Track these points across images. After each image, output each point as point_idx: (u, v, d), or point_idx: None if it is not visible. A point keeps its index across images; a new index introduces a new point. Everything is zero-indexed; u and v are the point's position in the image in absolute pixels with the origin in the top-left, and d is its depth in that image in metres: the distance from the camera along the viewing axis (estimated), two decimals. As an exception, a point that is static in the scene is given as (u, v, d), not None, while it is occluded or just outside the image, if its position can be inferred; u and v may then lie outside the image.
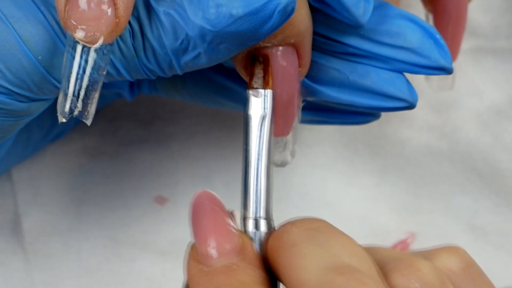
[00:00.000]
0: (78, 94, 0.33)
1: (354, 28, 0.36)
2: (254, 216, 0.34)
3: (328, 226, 0.33)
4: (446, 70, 0.36)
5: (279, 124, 0.37)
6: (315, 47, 0.37)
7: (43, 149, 0.49)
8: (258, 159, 0.34)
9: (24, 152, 0.47)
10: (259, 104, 0.35)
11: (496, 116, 0.53)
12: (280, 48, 0.35)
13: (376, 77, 0.36)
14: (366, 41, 0.36)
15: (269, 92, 0.35)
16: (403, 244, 0.51)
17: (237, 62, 0.36)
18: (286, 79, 0.36)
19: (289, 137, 0.38)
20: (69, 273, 0.47)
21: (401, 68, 0.36)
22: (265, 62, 0.35)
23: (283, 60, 0.35)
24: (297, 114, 0.38)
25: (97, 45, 0.32)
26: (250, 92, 0.35)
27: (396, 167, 0.52)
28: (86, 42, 0.32)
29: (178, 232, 0.48)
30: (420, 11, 0.47)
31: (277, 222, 0.49)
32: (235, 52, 0.34)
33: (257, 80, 0.35)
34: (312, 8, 0.36)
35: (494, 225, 0.51)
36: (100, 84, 0.34)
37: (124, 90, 0.45)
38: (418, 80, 0.52)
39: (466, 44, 0.54)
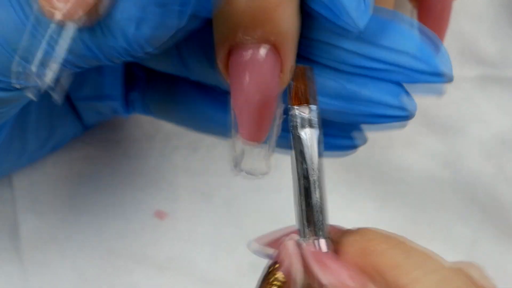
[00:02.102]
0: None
1: (351, 33, 0.35)
2: (318, 235, 0.34)
3: (411, 243, 0.33)
4: (446, 77, 0.35)
5: (250, 127, 0.36)
6: (311, 55, 0.36)
7: (44, 157, 0.49)
8: (314, 176, 0.34)
9: (19, 160, 0.46)
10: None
11: (500, 146, 0.53)
12: (258, 44, 0.35)
13: (374, 87, 0.35)
14: (365, 45, 0.35)
15: (293, 108, 0.34)
16: (400, 271, 0.50)
17: (219, 61, 0.36)
18: (258, 76, 0.35)
19: (264, 146, 0.38)
20: (65, 283, 0.47)
21: (400, 77, 0.35)
22: (296, 78, 0.35)
23: (257, 57, 0.35)
24: (275, 123, 0.37)
25: (76, 19, 0.31)
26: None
27: (397, 193, 0.52)
28: (67, 17, 0.31)
29: (177, 248, 0.48)
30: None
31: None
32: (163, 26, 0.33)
33: (295, 96, 0.35)
34: (309, 15, 0.35)
35: (493, 257, 0.51)
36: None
37: (118, 102, 0.45)
38: (422, 105, 0.52)
39: (473, 71, 0.54)
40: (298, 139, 0.34)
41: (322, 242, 0.34)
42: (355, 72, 0.35)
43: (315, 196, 0.34)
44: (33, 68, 0.33)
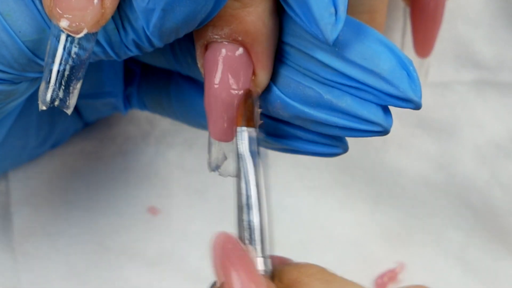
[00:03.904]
0: (60, 83, 0.33)
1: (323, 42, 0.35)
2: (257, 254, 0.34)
3: (336, 276, 0.34)
4: (414, 103, 0.35)
5: (216, 125, 0.36)
6: (288, 61, 0.36)
7: (40, 151, 0.49)
8: (258, 197, 0.34)
9: (20, 157, 0.47)
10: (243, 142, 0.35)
11: (495, 151, 0.53)
12: (224, 42, 0.35)
13: (351, 100, 0.35)
14: (337, 58, 0.35)
15: (247, 130, 0.35)
16: (391, 273, 0.51)
17: (197, 57, 0.36)
18: (225, 74, 0.35)
19: (231, 144, 0.37)
20: (56, 276, 0.47)
21: (370, 97, 0.35)
22: (246, 100, 0.35)
23: (226, 55, 0.35)
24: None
25: (81, 35, 0.32)
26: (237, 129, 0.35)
27: (390, 195, 0.52)
28: (71, 32, 0.32)
29: (168, 244, 0.48)
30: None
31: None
32: (192, 13, 0.33)
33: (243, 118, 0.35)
34: (287, 18, 0.35)
35: (484, 262, 0.51)
36: (82, 73, 0.34)
37: (118, 99, 0.45)
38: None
39: (469, 75, 0.54)
40: (241, 160, 0.34)
41: (259, 261, 0.34)
42: (330, 85, 0.35)
43: (249, 216, 0.34)
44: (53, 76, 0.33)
